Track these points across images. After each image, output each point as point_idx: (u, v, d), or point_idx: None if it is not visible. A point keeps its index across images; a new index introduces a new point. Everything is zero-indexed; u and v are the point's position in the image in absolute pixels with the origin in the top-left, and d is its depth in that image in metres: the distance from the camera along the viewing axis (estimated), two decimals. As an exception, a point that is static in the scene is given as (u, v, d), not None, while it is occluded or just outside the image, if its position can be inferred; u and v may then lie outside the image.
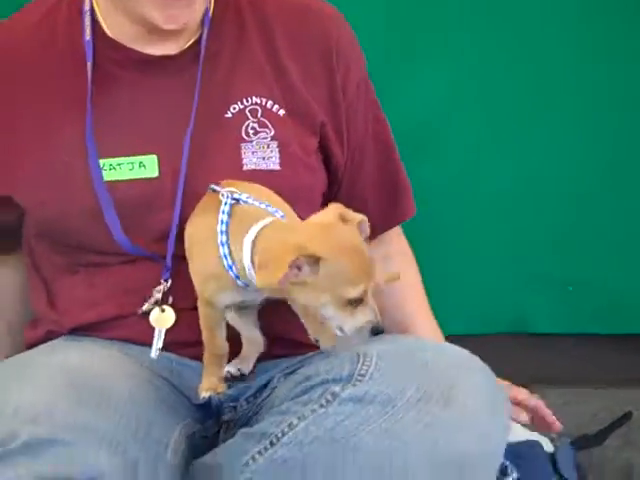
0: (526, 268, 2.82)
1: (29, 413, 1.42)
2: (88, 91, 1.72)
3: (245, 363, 1.71)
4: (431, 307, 2.77)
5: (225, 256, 1.55)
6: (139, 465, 1.44)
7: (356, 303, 1.51)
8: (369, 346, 1.50)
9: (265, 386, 1.66)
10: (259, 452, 1.46)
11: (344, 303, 1.50)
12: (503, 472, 2.01)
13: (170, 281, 1.70)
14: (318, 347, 1.64)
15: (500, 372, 2.70)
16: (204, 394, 1.63)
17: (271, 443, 1.45)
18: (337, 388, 1.43)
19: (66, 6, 1.80)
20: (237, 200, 1.59)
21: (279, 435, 1.44)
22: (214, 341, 1.63)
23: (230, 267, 1.56)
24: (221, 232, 1.56)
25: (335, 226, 1.53)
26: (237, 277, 1.56)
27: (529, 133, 2.78)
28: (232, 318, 1.70)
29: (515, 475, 1.99)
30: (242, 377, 1.70)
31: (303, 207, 1.70)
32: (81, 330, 1.76)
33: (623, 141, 2.79)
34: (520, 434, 2.26)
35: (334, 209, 1.55)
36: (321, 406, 1.43)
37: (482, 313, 2.84)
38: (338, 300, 1.50)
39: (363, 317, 1.51)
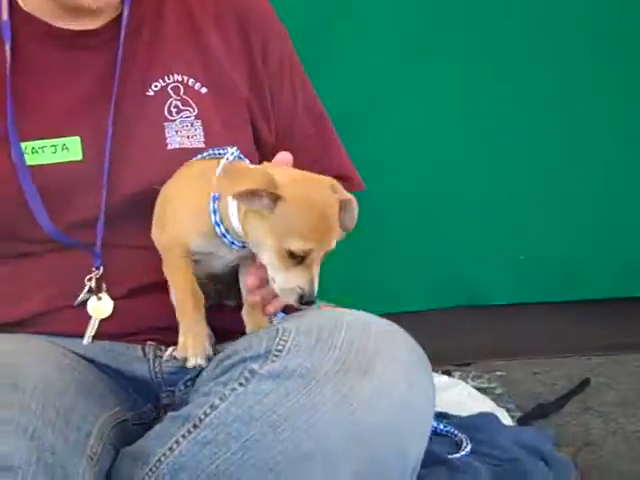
0: (477, 240, 2.79)
1: None
2: (7, 72, 1.67)
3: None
4: (386, 284, 2.80)
5: (214, 198, 1.51)
6: (56, 453, 1.40)
7: (297, 261, 1.45)
8: (289, 322, 1.47)
9: (202, 370, 1.63)
10: (183, 435, 1.43)
11: (284, 254, 1.45)
12: (457, 445, 1.99)
13: (102, 268, 1.66)
14: None
15: (457, 347, 2.76)
16: (193, 361, 1.52)
17: (194, 426, 1.42)
18: (255, 365, 1.41)
19: None
20: (240, 158, 1.58)
21: (202, 417, 1.42)
22: (184, 280, 1.54)
23: (215, 211, 1.51)
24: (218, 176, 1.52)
25: (318, 183, 1.49)
26: (217, 224, 1.51)
27: (476, 98, 2.73)
28: None
29: (469, 448, 1.96)
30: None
31: None
32: (10, 326, 1.69)
33: (568, 107, 2.77)
34: (473, 407, 2.25)
35: (329, 179, 1.51)
36: (240, 385, 1.41)
37: (434, 288, 2.81)
38: (279, 247, 1.45)
39: (297, 279, 1.45)
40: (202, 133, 1.70)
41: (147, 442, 1.48)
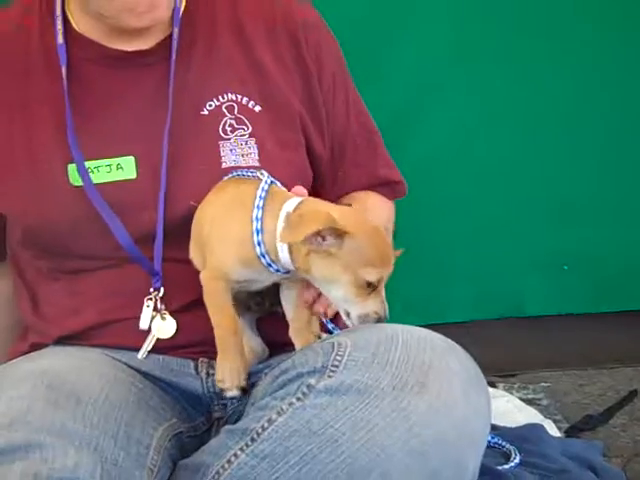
0: (522, 250, 2.77)
1: (4, 420, 1.40)
2: (65, 95, 1.68)
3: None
4: (431, 295, 2.78)
5: (257, 231, 1.52)
6: (119, 465, 1.42)
7: (370, 289, 1.48)
8: (343, 336, 1.47)
9: (254, 384, 1.62)
10: (241, 449, 1.43)
11: (361, 285, 1.48)
12: (506, 456, 1.98)
13: (162, 289, 1.66)
14: None
15: (501, 358, 2.74)
16: (231, 393, 1.56)
17: (252, 439, 1.42)
18: (312, 380, 1.41)
19: (38, 13, 1.76)
20: (273, 182, 1.59)
21: (259, 431, 1.42)
22: (226, 318, 1.55)
23: (259, 243, 1.52)
24: (257, 207, 1.53)
25: (367, 213, 1.56)
26: (263, 255, 1.52)
27: (520, 107, 2.73)
28: None
29: (518, 459, 1.95)
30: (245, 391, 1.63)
31: None
32: (67, 339, 1.72)
33: (616, 118, 2.76)
34: (519, 418, 2.24)
35: (313, 213, 1.52)
36: (298, 399, 1.41)
37: (479, 300, 2.79)
38: (356, 280, 1.48)
39: (373, 305, 1.49)
40: (256, 151, 1.71)
41: (205, 455, 1.49)
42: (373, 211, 1.80)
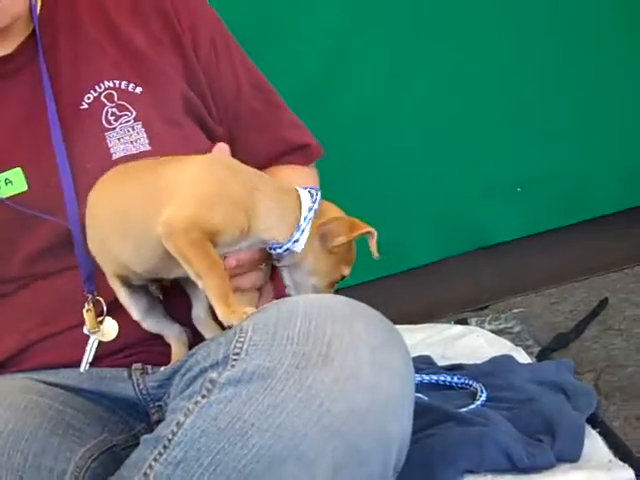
0: (472, 180, 2.74)
1: None
2: None
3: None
4: (387, 245, 2.73)
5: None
6: None
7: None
8: (247, 320, 1.41)
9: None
10: (154, 459, 1.38)
11: (337, 279, 1.58)
12: (473, 396, 1.95)
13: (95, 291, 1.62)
14: None
15: (470, 293, 2.71)
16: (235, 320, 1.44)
17: (164, 447, 1.37)
18: (214, 374, 1.37)
19: None
20: None
21: (170, 436, 1.37)
22: (218, 263, 1.46)
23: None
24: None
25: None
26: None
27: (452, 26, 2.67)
28: (149, 325, 1.61)
29: (484, 396, 1.92)
30: None
31: None
32: None
33: (555, 31, 2.70)
34: (490, 352, 2.21)
35: (349, 219, 1.56)
36: (203, 397, 1.36)
37: (439, 238, 2.76)
38: (335, 274, 1.57)
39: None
40: (145, 135, 1.67)
41: (125, 469, 1.45)
42: None
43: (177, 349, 1.63)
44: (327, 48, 2.63)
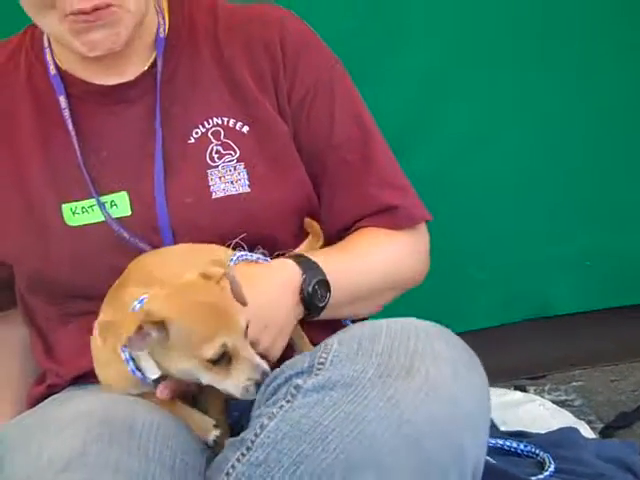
0: (541, 252, 2.73)
1: (62, 461, 1.38)
2: (69, 127, 1.67)
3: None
4: (449, 305, 2.73)
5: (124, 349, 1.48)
6: None
7: (225, 361, 1.43)
8: (331, 336, 1.47)
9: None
10: (237, 459, 1.40)
11: (208, 364, 1.42)
12: (541, 465, 1.94)
13: None
14: None
15: (529, 361, 2.70)
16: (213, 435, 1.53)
17: (247, 448, 1.41)
18: (300, 381, 1.41)
19: (28, 45, 1.75)
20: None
21: (253, 438, 1.40)
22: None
23: (128, 360, 1.49)
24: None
25: (191, 285, 1.44)
26: (133, 371, 1.49)
27: (533, 109, 2.68)
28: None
29: (553, 467, 1.90)
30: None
31: (277, 226, 1.67)
32: (83, 378, 1.71)
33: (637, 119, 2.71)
34: (552, 423, 2.19)
35: (196, 271, 1.45)
36: (287, 401, 1.40)
37: (503, 304, 2.75)
38: (200, 361, 1.42)
39: (242, 375, 1.43)
40: (246, 176, 1.68)
41: (210, 471, 1.47)
42: (363, 258, 1.73)
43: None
44: (407, 102, 2.65)
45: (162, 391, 1.51)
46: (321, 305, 1.64)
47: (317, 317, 1.66)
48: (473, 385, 1.42)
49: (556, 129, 2.70)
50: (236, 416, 1.62)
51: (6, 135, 1.72)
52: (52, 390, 1.75)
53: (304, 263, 1.64)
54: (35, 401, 1.76)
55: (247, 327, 1.45)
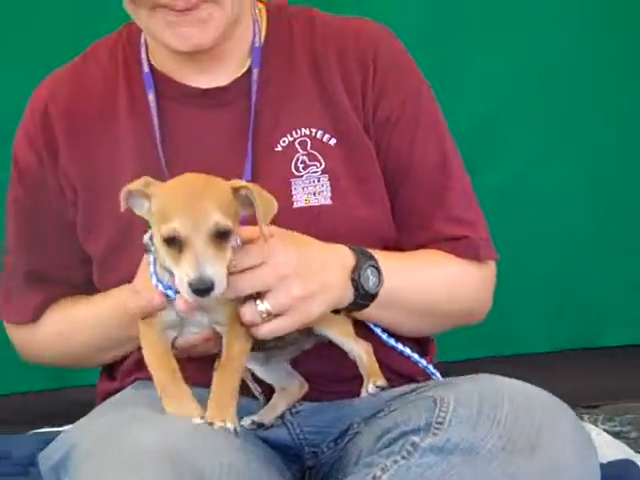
0: (598, 280, 2.74)
1: None
2: (155, 128, 1.68)
3: (269, 413, 1.60)
4: (500, 328, 2.73)
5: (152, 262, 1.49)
6: None
7: (178, 247, 1.41)
8: (445, 391, 1.44)
9: (346, 431, 1.61)
10: None
11: (162, 243, 1.43)
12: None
13: None
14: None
15: (582, 391, 2.70)
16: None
17: None
18: (417, 438, 1.38)
19: (125, 42, 1.76)
20: None
21: None
22: (169, 365, 1.51)
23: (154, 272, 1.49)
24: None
25: (196, 176, 1.49)
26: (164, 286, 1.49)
27: (603, 126, 2.72)
28: (261, 372, 1.61)
29: (612, 499, 1.91)
30: (262, 426, 1.59)
31: (356, 241, 1.61)
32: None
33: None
34: (609, 454, 2.19)
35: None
36: (403, 457, 1.38)
37: (554, 331, 2.77)
38: (161, 239, 1.43)
39: (182, 268, 1.41)
40: (329, 188, 1.68)
41: None
42: (422, 267, 1.70)
43: (276, 400, 1.62)
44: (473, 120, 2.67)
45: (180, 304, 1.46)
46: (371, 292, 1.58)
47: (365, 308, 1.60)
48: (592, 467, 1.42)
49: (623, 148, 2.74)
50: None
51: (109, 136, 1.72)
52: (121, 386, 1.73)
53: (358, 250, 1.60)
54: (106, 395, 1.74)
55: (228, 235, 1.42)
